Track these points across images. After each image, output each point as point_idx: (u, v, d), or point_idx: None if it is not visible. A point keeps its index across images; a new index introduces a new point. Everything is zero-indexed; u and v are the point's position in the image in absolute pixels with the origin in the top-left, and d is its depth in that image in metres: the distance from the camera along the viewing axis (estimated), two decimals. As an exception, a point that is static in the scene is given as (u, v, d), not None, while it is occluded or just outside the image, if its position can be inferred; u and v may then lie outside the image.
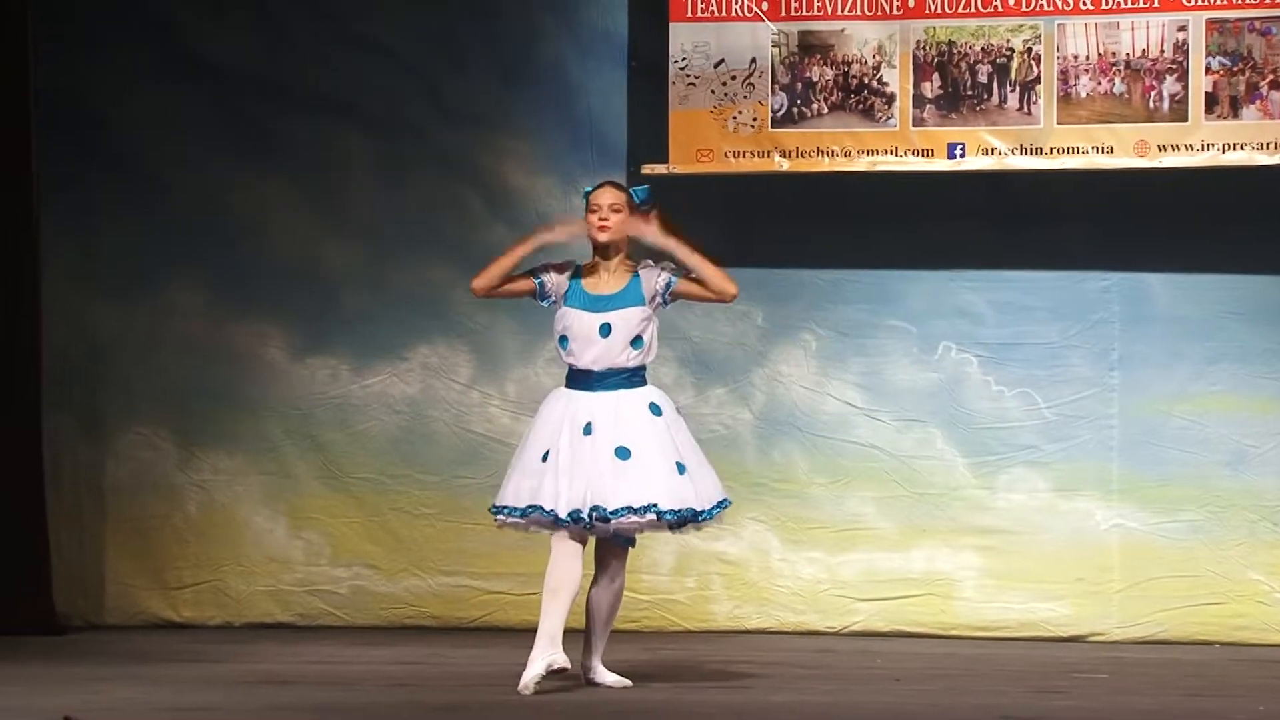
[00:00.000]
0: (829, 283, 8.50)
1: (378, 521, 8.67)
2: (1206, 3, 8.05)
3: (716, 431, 8.48)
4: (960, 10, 8.21)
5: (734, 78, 8.35)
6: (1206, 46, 8.05)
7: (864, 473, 8.47)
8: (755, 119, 8.34)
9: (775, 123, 8.33)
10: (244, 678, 7.03)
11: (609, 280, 6.68)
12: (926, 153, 8.25)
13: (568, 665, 6.58)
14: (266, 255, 8.70)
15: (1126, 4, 8.09)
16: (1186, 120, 8.07)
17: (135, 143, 8.71)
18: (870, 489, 8.46)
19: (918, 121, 8.25)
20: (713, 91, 8.35)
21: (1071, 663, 7.61)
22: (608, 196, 6.68)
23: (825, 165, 8.30)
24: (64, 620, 8.43)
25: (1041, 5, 8.16)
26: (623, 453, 6.53)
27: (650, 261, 6.71)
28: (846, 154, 8.29)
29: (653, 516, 6.50)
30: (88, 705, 6.28)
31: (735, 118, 8.35)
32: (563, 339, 6.67)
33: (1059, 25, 8.17)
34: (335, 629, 8.57)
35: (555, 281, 6.70)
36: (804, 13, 8.29)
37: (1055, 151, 8.16)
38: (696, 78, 8.36)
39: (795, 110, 8.33)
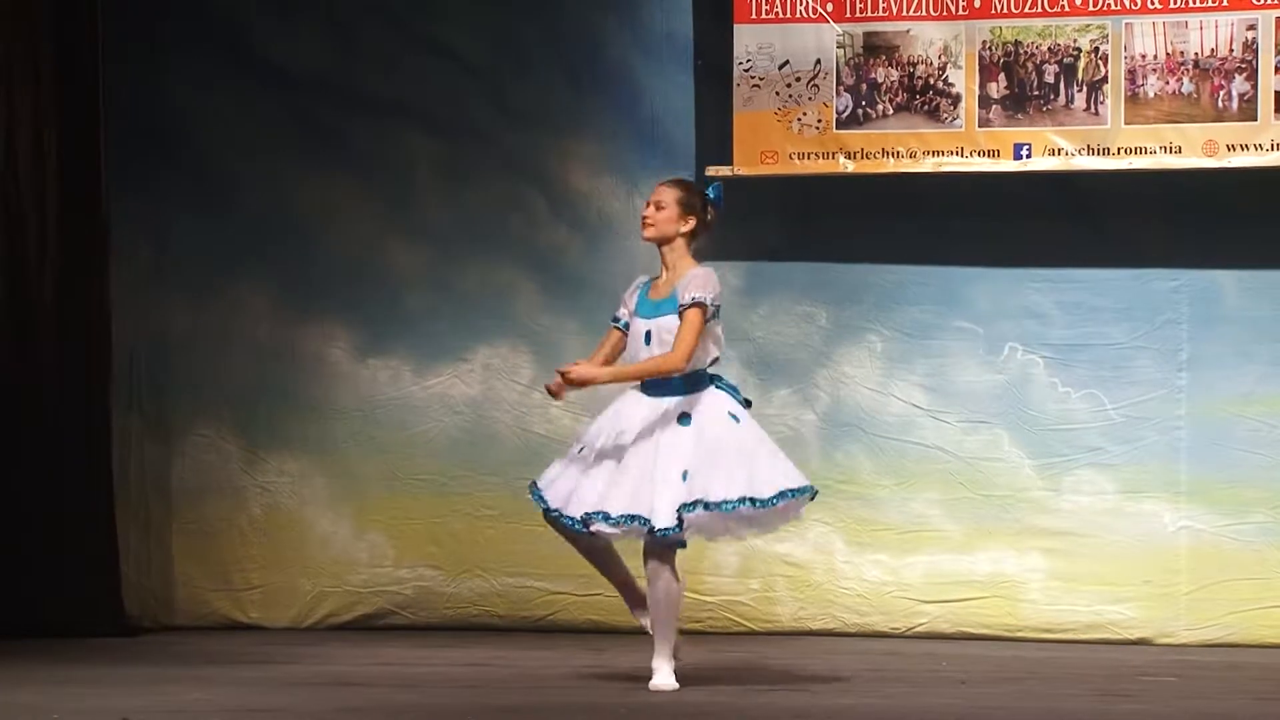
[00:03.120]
0: (894, 284, 8.48)
1: (440, 523, 8.69)
2: (1276, 1, 7.99)
3: (781, 433, 8.45)
4: (1026, 10, 8.17)
5: (798, 79, 8.33)
6: (1276, 45, 7.99)
7: (929, 474, 8.44)
8: (820, 120, 8.32)
9: (840, 124, 8.31)
10: (311, 679, 7.05)
11: (664, 284, 6.69)
12: (992, 153, 8.22)
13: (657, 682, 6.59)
14: (332, 256, 8.73)
15: (1195, 3, 8.04)
16: (1256, 120, 8.01)
17: (204, 143, 8.75)
18: (935, 491, 8.43)
19: (983, 122, 8.22)
20: (777, 93, 8.33)
21: (1139, 665, 7.57)
22: (655, 193, 6.69)
23: (890, 166, 8.28)
24: (134, 621, 8.48)
25: (1109, 4, 8.11)
26: (624, 458, 6.52)
27: (698, 271, 6.63)
28: (912, 155, 8.27)
29: (600, 524, 6.47)
30: (157, 706, 6.32)
31: (800, 119, 8.34)
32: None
33: (1126, 25, 8.12)
34: (400, 630, 8.59)
35: (629, 305, 6.75)
36: (869, 14, 8.27)
37: (1123, 152, 8.11)
38: (761, 79, 8.35)
39: (860, 111, 8.31)
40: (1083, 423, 8.36)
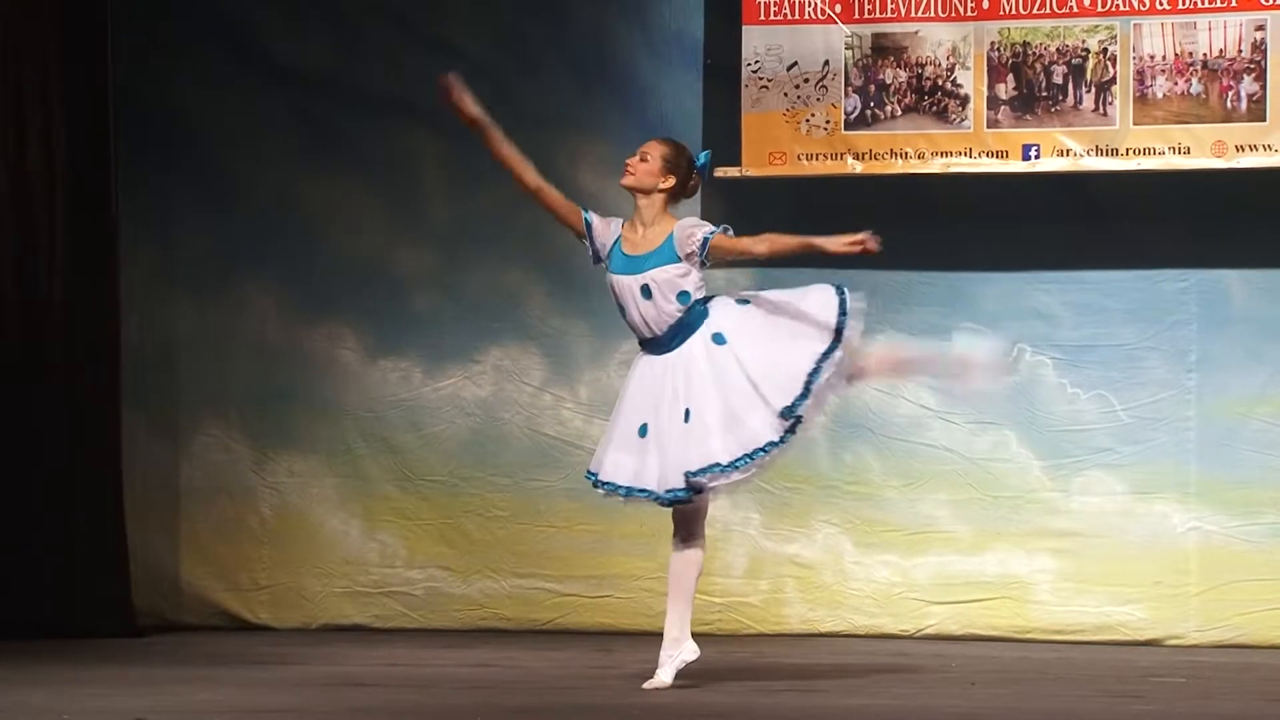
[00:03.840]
0: (902, 285, 8.47)
1: (451, 524, 8.69)
2: (1285, 2, 8.00)
3: (790, 434, 8.46)
4: (1035, 11, 8.17)
5: (807, 80, 8.34)
6: (1285, 46, 8.00)
7: (938, 475, 8.43)
8: (828, 121, 8.32)
9: (848, 125, 8.32)
10: (320, 680, 7.06)
11: (645, 238, 6.61)
12: (1001, 154, 8.22)
13: (694, 655, 6.54)
14: (340, 256, 8.75)
15: (1203, 4, 8.04)
16: (1264, 120, 8.00)
17: (212, 143, 8.77)
18: (944, 492, 8.43)
19: (992, 123, 8.22)
20: (785, 94, 8.34)
21: (1148, 667, 7.56)
22: (643, 146, 6.68)
23: (898, 167, 8.28)
24: (143, 622, 8.49)
25: (1117, 5, 8.11)
26: (686, 415, 6.45)
27: (689, 219, 6.63)
28: (920, 156, 8.27)
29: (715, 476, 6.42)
30: (166, 706, 6.33)
31: (808, 120, 8.34)
32: (620, 308, 6.64)
33: (1135, 25, 8.12)
34: (410, 631, 8.60)
35: (601, 229, 6.67)
36: (877, 15, 8.27)
37: (1131, 153, 8.11)
38: (769, 80, 8.35)
39: (868, 112, 8.31)
40: (1092, 424, 8.35)
